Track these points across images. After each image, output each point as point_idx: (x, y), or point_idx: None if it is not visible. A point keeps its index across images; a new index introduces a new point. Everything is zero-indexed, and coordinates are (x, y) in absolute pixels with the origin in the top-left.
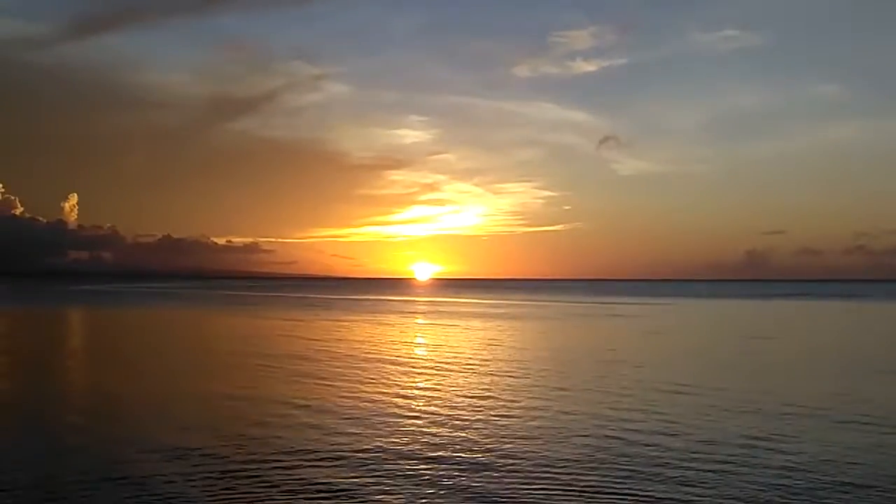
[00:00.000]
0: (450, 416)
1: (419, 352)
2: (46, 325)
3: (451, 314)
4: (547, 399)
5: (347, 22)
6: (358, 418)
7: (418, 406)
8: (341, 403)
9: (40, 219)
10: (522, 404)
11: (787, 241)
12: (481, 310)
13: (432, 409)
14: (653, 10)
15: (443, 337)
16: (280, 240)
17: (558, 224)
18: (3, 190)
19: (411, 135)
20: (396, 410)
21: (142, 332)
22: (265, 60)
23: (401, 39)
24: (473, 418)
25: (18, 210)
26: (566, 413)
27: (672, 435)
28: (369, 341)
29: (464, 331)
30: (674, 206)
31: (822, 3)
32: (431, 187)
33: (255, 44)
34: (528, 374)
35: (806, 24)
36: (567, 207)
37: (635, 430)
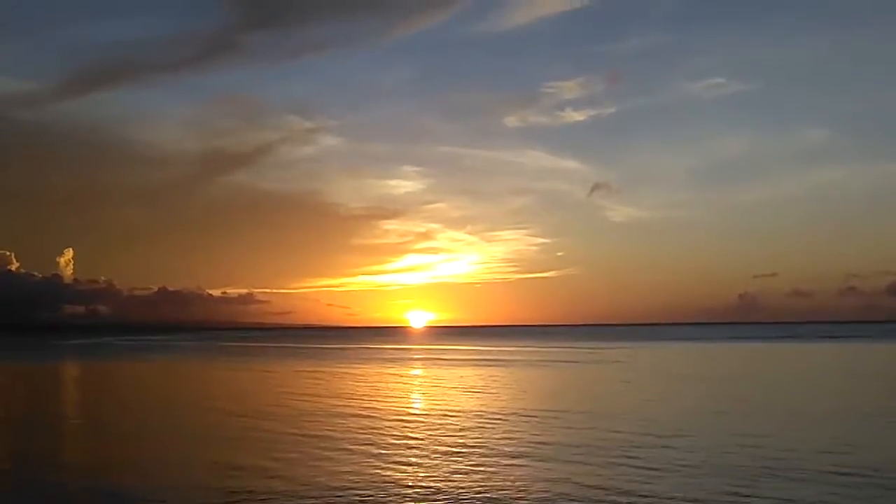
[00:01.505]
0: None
1: (411, 402)
2: (40, 381)
3: (444, 362)
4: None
5: (339, 76)
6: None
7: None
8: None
9: (36, 274)
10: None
11: (778, 284)
12: (474, 357)
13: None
14: (640, 61)
15: (434, 385)
16: (275, 290)
17: (551, 270)
18: None
19: (404, 185)
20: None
21: (137, 385)
22: (259, 114)
23: (392, 92)
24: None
25: (14, 265)
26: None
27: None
28: (364, 392)
29: (454, 378)
30: (665, 251)
31: (808, 50)
32: (425, 236)
33: (249, 98)
34: (514, 425)
35: (792, 70)
36: (560, 254)
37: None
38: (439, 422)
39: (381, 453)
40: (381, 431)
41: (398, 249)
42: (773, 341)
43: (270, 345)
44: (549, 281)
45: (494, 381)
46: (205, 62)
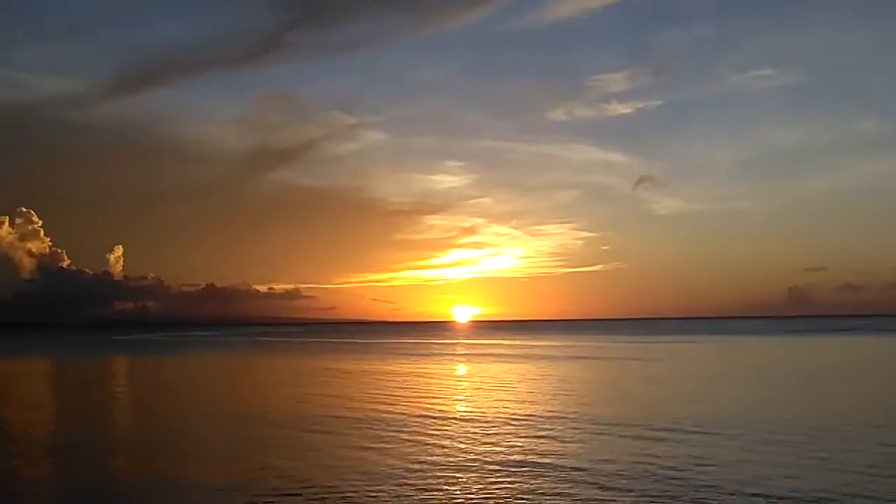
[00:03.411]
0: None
1: (462, 403)
2: (94, 375)
3: (491, 357)
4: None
5: (383, 71)
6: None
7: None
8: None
9: (86, 271)
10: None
11: (828, 278)
12: (521, 352)
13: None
14: (687, 52)
15: (483, 384)
16: (320, 286)
17: (597, 264)
18: (50, 244)
19: (448, 179)
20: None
21: (185, 382)
22: (303, 111)
23: (436, 86)
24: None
25: (65, 263)
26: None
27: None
28: (412, 387)
29: (505, 376)
30: (713, 244)
31: (857, 39)
32: (470, 231)
33: (294, 95)
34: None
35: (843, 60)
36: (605, 248)
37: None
38: (494, 430)
39: (425, 468)
40: (430, 439)
41: (443, 244)
42: (827, 335)
43: (316, 340)
44: (595, 275)
45: (544, 378)
46: (250, 60)
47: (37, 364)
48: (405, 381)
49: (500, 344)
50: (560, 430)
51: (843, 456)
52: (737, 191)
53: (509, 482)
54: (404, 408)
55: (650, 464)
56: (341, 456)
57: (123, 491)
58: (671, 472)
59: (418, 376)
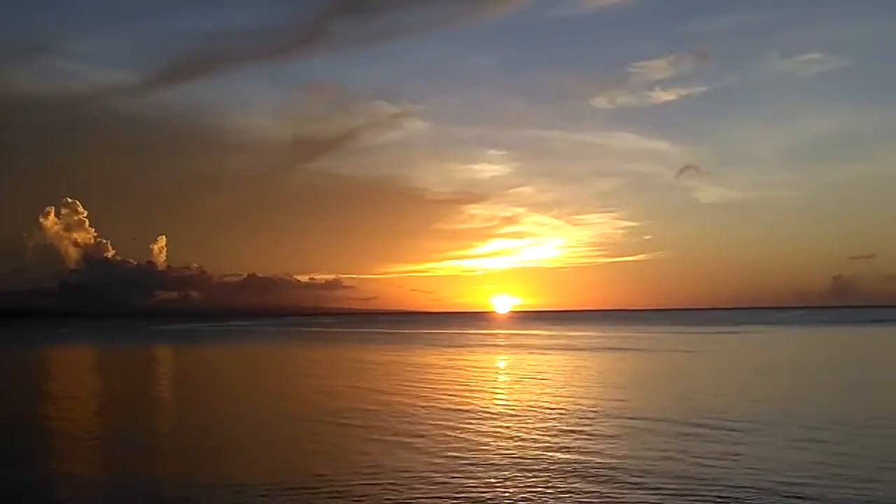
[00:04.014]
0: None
1: (504, 396)
2: (136, 365)
3: (531, 348)
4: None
5: (424, 61)
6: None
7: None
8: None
9: (131, 261)
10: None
11: (875, 266)
12: (561, 343)
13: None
14: (731, 38)
15: (525, 374)
16: (361, 276)
17: (639, 254)
18: (95, 234)
19: (489, 169)
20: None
21: (228, 370)
22: (345, 100)
23: (478, 75)
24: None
25: (110, 253)
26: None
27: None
28: (450, 380)
29: (539, 365)
30: (757, 232)
31: None
32: (510, 220)
33: (336, 84)
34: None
35: (889, 45)
36: (648, 237)
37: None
38: (532, 426)
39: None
40: (467, 435)
41: (483, 234)
42: (872, 326)
43: (355, 330)
44: (637, 265)
45: (584, 371)
46: (294, 50)
47: (81, 353)
48: (444, 373)
49: (539, 335)
50: (598, 426)
51: (888, 452)
52: (782, 178)
53: (545, 482)
54: (442, 402)
55: (688, 461)
56: (376, 453)
57: (160, 486)
58: (708, 471)
59: (457, 368)
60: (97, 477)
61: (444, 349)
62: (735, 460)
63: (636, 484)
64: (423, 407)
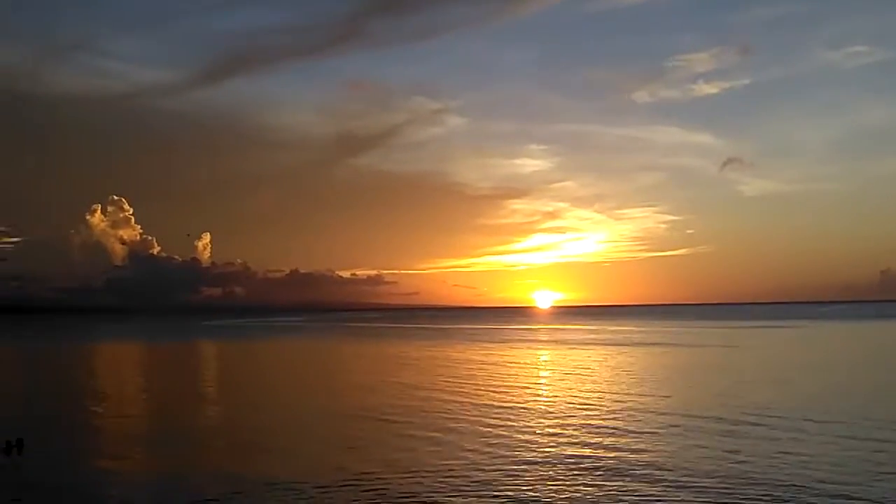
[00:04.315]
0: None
1: (551, 393)
2: (181, 360)
3: (570, 343)
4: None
5: (465, 57)
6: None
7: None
8: (468, 430)
9: (176, 257)
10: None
11: None
12: (601, 337)
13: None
14: (775, 29)
15: (561, 367)
16: (402, 271)
17: (682, 248)
18: (141, 231)
19: (531, 164)
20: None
21: (273, 365)
22: (385, 97)
23: (518, 71)
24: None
25: (155, 250)
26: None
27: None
28: (493, 375)
29: (581, 360)
30: (803, 225)
31: None
32: (552, 215)
33: (377, 82)
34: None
35: None
36: (690, 231)
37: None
38: (575, 423)
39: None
40: (509, 432)
41: (524, 229)
42: None
43: (397, 326)
44: (680, 259)
45: (626, 366)
46: (335, 48)
47: (128, 349)
48: (485, 369)
49: (581, 329)
50: (642, 424)
51: None
52: (827, 171)
53: (589, 482)
54: (484, 399)
55: (733, 460)
56: (417, 450)
57: (207, 483)
58: (754, 470)
59: (498, 364)
60: (146, 473)
61: (486, 344)
62: (781, 459)
63: (682, 484)
64: (464, 404)
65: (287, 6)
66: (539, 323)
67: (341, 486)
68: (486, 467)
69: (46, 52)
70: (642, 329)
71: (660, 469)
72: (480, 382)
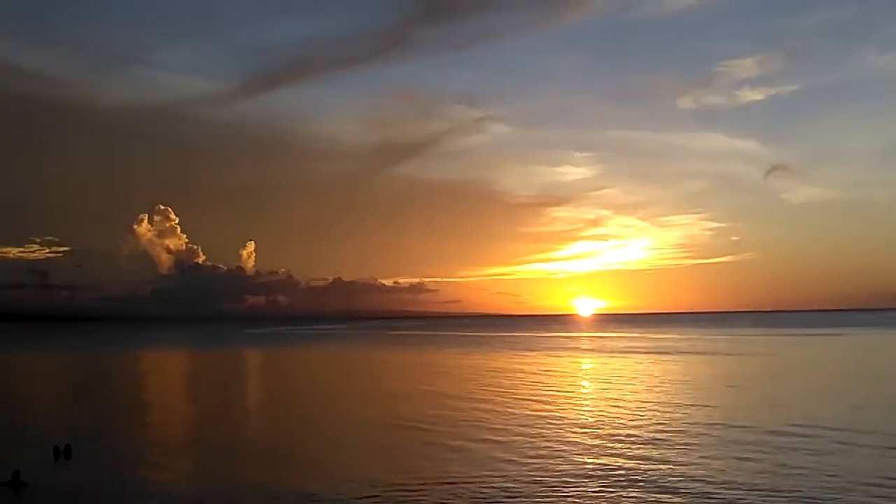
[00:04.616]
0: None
1: (598, 405)
2: (231, 367)
3: (612, 351)
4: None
5: (508, 65)
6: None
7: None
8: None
9: (221, 266)
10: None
11: None
12: (644, 345)
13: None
14: (823, 34)
15: (604, 376)
16: (444, 279)
17: (726, 255)
18: (187, 241)
19: (573, 171)
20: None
21: (319, 373)
22: (429, 106)
23: (561, 78)
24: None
25: (201, 259)
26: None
27: None
28: (535, 385)
29: (626, 369)
30: (849, 233)
31: None
32: (594, 223)
33: (420, 90)
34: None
35: None
36: (735, 238)
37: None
38: (618, 435)
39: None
40: (550, 445)
41: (567, 237)
42: None
43: (440, 334)
44: (724, 266)
45: (669, 376)
46: (378, 57)
47: (174, 356)
48: (526, 378)
49: (623, 337)
50: (686, 437)
51: None
52: (876, 178)
53: (633, 497)
54: (524, 409)
55: (781, 474)
56: (455, 461)
57: (247, 492)
58: (804, 486)
59: (539, 374)
60: (186, 482)
61: (528, 353)
62: (831, 474)
63: (729, 502)
64: (504, 414)
65: (333, 16)
66: (581, 331)
67: (374, 499)
68: (523, 480)
69: (97, 63)
70: (686, 337)
71: (708, 483)
72: (522, 391)
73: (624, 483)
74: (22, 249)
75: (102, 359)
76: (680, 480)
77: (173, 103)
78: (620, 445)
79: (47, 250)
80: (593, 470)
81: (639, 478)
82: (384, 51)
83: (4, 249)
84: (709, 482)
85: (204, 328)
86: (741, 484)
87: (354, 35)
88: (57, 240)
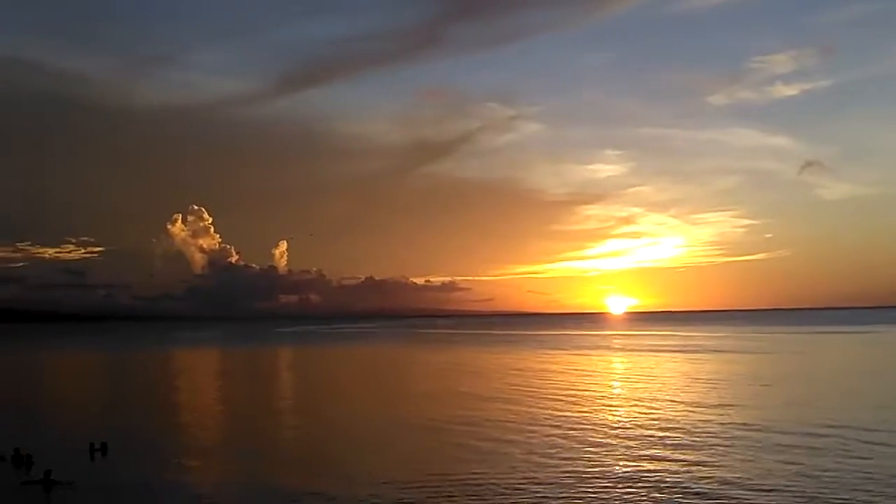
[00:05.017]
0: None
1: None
2: (265, 365)
3: (645, 350)
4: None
5: (541, 63)
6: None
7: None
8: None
9: (253, 266)
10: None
11: None
12: (677, 343)
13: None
14: (858, 29)
15: (635, 376)
16: (476, 277)
17: (760, 253)
18: (220, 240)
19: (606, 169)
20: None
21: (354, 371)
22: (461, 104)
23: (593, 76)
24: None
25: (234, 258)
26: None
27: None
28: (566, 385)
29: (657, 368)
30: (884, 229)
31: None
32: (627, 220)
33: (452, 89)
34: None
35: None
36: (769, 235)
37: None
38: (649, 438)
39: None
40: (580, 447)
41: (599, 234)
42: None
43: (471, 332)
44: (758, 263)
45: (701, 375)
46: (410, 56)
47: (208, 355)
48: (556, 377)
49: (655, 336)
50: (719, 439)
51: None
52: None
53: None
54: (554, 410)
55: (821, 480)
56: (484, 463)
57: (270, 490)
58: (841, 491)
59: (570, 373)
60: (218, 482)
61: (559, 351)
62: (864, 477)
63: None
64: (534, 416)
65: (366, 16)
66: (612, 329)
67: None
68: (550, 483)
69: (132, 64)
70: (719, 335)
71: (742, 488)
72: (551, 392)
73: (652, 488)
74: (58, 250)
75: (137, 358)
76: (712, 484)
77: (207, 104)
78: (653, 449)
79: (83, 251)
80: (623, 474)
81: (669, 482)
82: (417, 50)
83: (41, 250)
84: (742, 486)
85: (237, 327)
86: (775, 486)
87: (387, 34)
88: (92, 240)
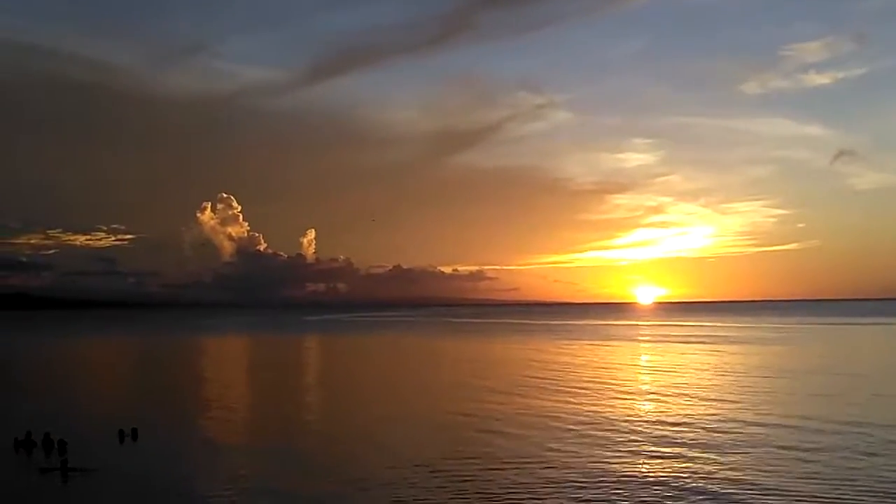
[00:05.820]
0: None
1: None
2: (292, 353)
3: (673, 340)
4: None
5: (570, 50)
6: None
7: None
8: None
9: (282, 254)
10: None
11: None
12: (707, 333)
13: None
14: (891, 17)
15: (665, 368)
16: (503, 267)
17: (792, 243)
18: (248, 228)
19: (635, 158)
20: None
21: (379, 361)
22: (490, 92)
23: (623, 64)
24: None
25: (262, 246)
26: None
27: None
28: (595, 378)
29: (685, 360)
30: None
31: None
32: (656, 210)
33: (480, 77)
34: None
35: None
36: (801, 225)
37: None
38: (679, 437)
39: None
40: (608, 445)
41: (628, 224)
42: None
43: (498, 321)
44: (789, 254)
45: (732, 367)
46: (440, 44)
47: (231, 342)
48: (583, 368)
49: (684, 326)
50: (746, 437)
51: None
52: None
53: None
54: (586, 406)
55: (861, 483)
56: (513, 462)
57: (297, 480)
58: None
59: (597, 366)
60: (245, 467)
61: (586, 341)
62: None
63: None
64: (560, 409)
65: (395, 4)
66: (640, 319)
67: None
68: (571, 480)
69: (163, 53)
70: (748, 326)
71: (774, 493)
72: (578, 385)
73: (670, 489)
74: (88, 237)
75: (167, 344)
76: (742, 488)
77: (236, 92)
78: (677, 449)
79: (113, 238)
80: (647, 474)
81: (687, 484)
82: (446, 37)
83: (72, 237)
84: (774, 491)
85: (265, 315)
86: (805, 491)
87: (416, 22)
88: (122, 227)
